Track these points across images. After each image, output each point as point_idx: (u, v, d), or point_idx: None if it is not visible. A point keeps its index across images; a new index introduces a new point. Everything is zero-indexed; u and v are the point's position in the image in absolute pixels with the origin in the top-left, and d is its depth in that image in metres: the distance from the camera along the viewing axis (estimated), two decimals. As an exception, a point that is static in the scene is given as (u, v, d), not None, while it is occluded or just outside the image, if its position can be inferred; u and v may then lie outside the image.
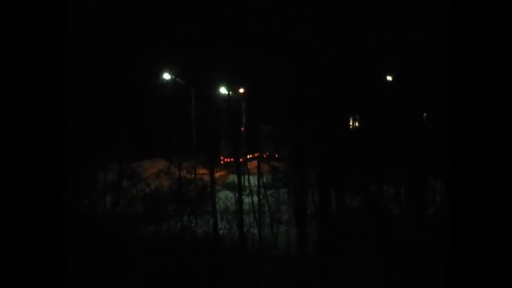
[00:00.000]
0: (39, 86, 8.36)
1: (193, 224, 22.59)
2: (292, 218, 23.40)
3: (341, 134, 23.50)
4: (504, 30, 8.31)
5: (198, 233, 22.71)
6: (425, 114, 22.99)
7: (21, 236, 8.62)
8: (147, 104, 22.47)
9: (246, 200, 24.10)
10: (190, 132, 25.38)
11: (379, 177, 22.54)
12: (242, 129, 26.05)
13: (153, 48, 22.29)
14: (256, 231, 23.61)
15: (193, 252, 21.72)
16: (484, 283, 8.37)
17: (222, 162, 26.31)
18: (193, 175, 23.99)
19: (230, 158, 26.15)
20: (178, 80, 24.48)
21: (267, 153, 26.41)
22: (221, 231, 23.46)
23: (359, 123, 25.11)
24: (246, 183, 24.51)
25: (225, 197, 25.09)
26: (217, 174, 24.88)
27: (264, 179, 24.61)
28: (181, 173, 23.47)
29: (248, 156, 26.28)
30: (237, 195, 23.80)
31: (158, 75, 23.78)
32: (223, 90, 25.20)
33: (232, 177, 25.68)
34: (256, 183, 24.47)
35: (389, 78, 23.42)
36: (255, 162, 25.35)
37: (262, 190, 24.36)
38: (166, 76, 24.14)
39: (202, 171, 23.99)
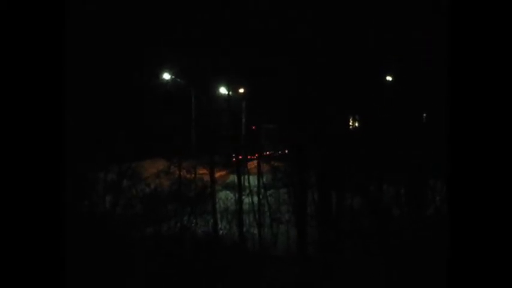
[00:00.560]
0: (39, 86, 8.37)
1: (193, 224, 22.60)
2: (292, 218, 23.38)
3: (341, 134, 23.52)
4: (504, 30, 8.31)
5: (198, 233, 22.72)
6: (425, 115, 22.99)
7: (22, 236, 8.62)
8: (147, 103, 22.47)
9: (246, 200, 24.10)
10: (190, 132, 25.40)
11: (379, 177, 22.52)
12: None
13: (153, 48, 22.30)
14: (256, 231, 23.61)
15: (193, 253, 21.72)
16: (484, 283, 8.37)
17: (233, 160, 26.23)
18: (193, 175, 23.98)
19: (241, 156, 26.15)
20: (178, 80, 24.48)
21: (268, 153, 26.40)
22: (221, 231, 23.47)
23: (359, 123, 25.11)
24: (246, 183, 24.49)
25: (225, 197, 25.08)
26: (217, 174, 24.88)
27: (264, 179, 24.60)
28: (181, 173, 23.46)
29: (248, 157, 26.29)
30: (237, 195, 23.78)
31: (158, 75, 23.77)
32: (223, 90, 25.19)
33: (232, 177, 25.67)
34: (256, 183, 24.45)
35: (389, 78, 23.42)
36: (254, 162, 25.34)
37: (262, 190, 24.34)
38: (166, 76, 24.13)
39: (202, 171, 23.98)
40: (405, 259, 18.79)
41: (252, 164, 25.67)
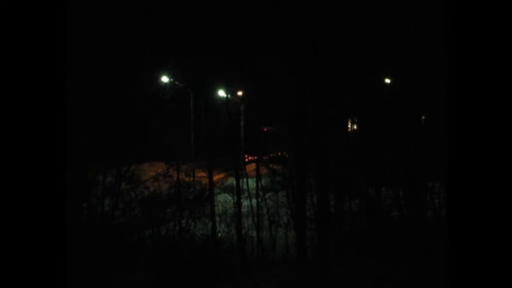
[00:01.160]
0: (39, 90, 8.38)
1: (192, 227, 22.62)
2: (291, 221, 23.36)
3: (340, 137, 23.51)
4: (504, 33, 8.32)
5: (197, 236, 22.74)
6: (423, 117, 22.99)
7: (22, 239, 8.62)
8: (145, 106, 22.46)
9: (245, 202, 24.05)
10: (189, 135, 25.40)
11: (378, 180, 22.52)
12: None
13: (151, 51, 22.30)
14: (254, 234, 23.57)
15: (192, 255, 21.74)
16: (484, 284, 8.38)
17: (246, 160, 26.22)
18: (191, 178, 23.97)
19: (253, 156, 26.16)
20: (177, 83, 24.47)
21: (267, 157, 26.38)
22: (220, 234, 23.46)
23: (358, 126, 25.10)
24: (245, 186, 24.47)
25: (224, 200, 25.09)
26: (215, 177, 24.86)
27: (263, 182, 24.58)
28: (180, 176, 23.44)
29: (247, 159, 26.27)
30: (235, 198, 23.76)
31: (156, 78, 23.76)
32: (221, 93, 25.19)
33: (231, 180, 25.66)
34: (255, 186, 24.43)
35: (387, 80, 23.43)
36: (253, 165, 25.31)
37: (260, 193, 24.31)
38: (165, 79, 24.14)
39: (200, 174, 23.96)
40: (404, 262, 18.80)
41: (251, 167, 25.65)
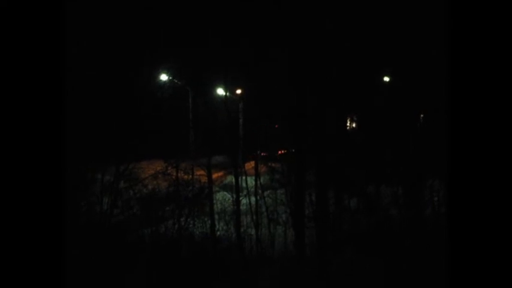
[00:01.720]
0: (40, 90, 8.37)
1: (190, 225, 22.61)
2: (290, 219, 23.37)
3: (339, 135, 23.53)
4: (503, 32, 8.32)
5: (196, 234, 22.74)
6: (422, 115, 23.01)
7: (22, 237, 8.61)
8: (144, 104, 22.45)
9: (244, 201, 24.06)
10: (187, 133, 25.38)
11: (377, 178, 22.54)
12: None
13: (150, 49, 22.28)
14: (253, 232, 23.57)
15: (191, 253, 21.74)
16: (484, 283, 8.39)
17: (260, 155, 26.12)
18: (190, 176, 23.96)
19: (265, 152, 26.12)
20: (176, 81, 24.45)
21: (266, 153, 26.31)
22: (219, 232, 23.47)
23: (357, 124, 25.12)
24: (244, 184, 24.47)
25: (223, 198, 25.10)
26: (214, 175, 24.85)
27: (262, 180, 24.57)
28: (179, 174, 23.43)
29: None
30: (234, 196, 23.76)
31: (155, 76, 23.75)
32: (220, 91, 25.17)
33: (230, 178, 25.65)
34: (254, 184, 24.42)
35: (386, 79, 23.45)
36: (252, 163, 25.29)
37: (259, 191, 24.30)
38: (164, 77, 24.12)
39: (199, 172, 23.94)
40: (403, 259, 18.83)
41: (250, 165, 25.63)
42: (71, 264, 9.78)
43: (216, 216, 23.79)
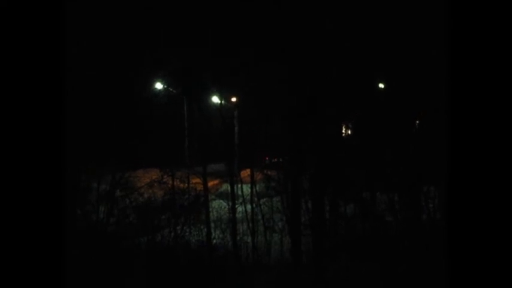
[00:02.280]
0: (39, 89, 8.37)
1: (186, 233, 22.57)
2: (286, 226, 23.36)
3: (334, 142, 23.55)
4: (502, 38, 8.37)
5: (192, 242, 22.69)
6: (418, 122, 23.07)
7: (21, 248, 8.58)
8: (139, 113, 22.47)
9: (240, 208, 24.05)
10: (183, 141, 25.37)
11: (372, 185, 22.56)
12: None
13: (145, 57, 22.31)
14: (249, 239, 23.56)
15: (187, 262, 21.70)
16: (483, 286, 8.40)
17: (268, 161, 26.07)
18: (186, 184, 23.94)
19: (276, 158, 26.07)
20: (171, 89, 24.48)
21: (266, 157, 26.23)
22: (215, 240, 23.44)
23: (352, 131, 25.14)
24: (239, 192, 24.45)
25: (219, 206, 25.04)
26: (210, 183, 24.83)
27: (257, 188, 24.55)
28: (175, 182, 23.42)
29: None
30: (230, 204, 23.75)
31: (151, 84, 23.77)
32: (215, 99, 25.20)
33: (225, 186, 25.63)
34: (250, 191, 24.42)
35: (381, 85, 23.51)
36: (247, 171, 25.29)
37: (255, 199, 24.30)
38: (159, 85, 24.15)
39: (195, 180, 23.93)
40: (399, 265, 18.84)
41: (245, 173, 25.62)
42: (69, 272, 9.76)
43: (212, 224, 23.76)
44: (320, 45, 21.12)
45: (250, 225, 23.76)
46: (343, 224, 22.82)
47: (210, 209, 24.07)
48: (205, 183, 23.55)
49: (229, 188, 23.97)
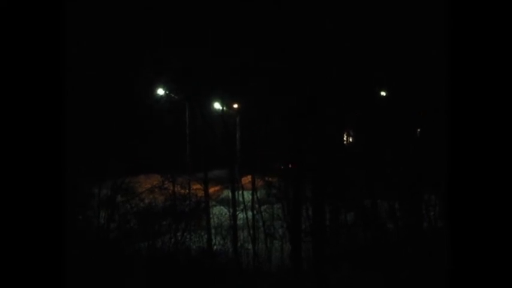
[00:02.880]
0: (39, 89, 8.37)
1: (187, 240, 22.53)
2: (287, 233, 23.34)
3: (336, 140, 23.55)
4: (503, 33, 8.36)
5: (192, 248, 22.66)
6: (419, 130, 23.06)
7: (20, 245, 8.57)
8: (141, 118, 22.49)
9: (240, 215, 24.06)
10: (184, 147, 25.40)
11: (373, 185, 22.50)
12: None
13: (145, 57, 22.32)
14: (250, 246, 23.56)
15: (187, 268, 21.65)
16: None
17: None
18: (187, 190, 23.95)
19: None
20: (173, 95, 24.51)
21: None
22: (215, 247, 23.43)
23: (353, 139, 25.13)
24: (240, 199, 24.46)
25: (219, 213, 25.07)
26: (211, 190, 24.84)
27: (258, 194, 24.54)
28: (176, 188, 23.42)
29: None
30: (231, 210, 23.75)
31: (153, 90, 23.81)
32: (217, 105, 25.24)
33: (226, 193, 25.64)
34: (251, 198, 24.42)
35: (383, 93, 23.52)
36: (248, 177, 25.29)
37: (256, 205, 24.30)
38: (160, 91, 24.19)
39: (196, 186, 23.94)
40: (401, 273, 18.79)
41: (246, 179, 25.64)
42: (69, 277, 9.75)
43: (213, 231, 23.77)
44: (320, 45, 21.11)
45: (251, 231, 23.77)
46: (344, 232, 22.78)
47: (211, 215, 24.08)
48: (206, 189, 23.56)
49: (230, 194, 23.96)
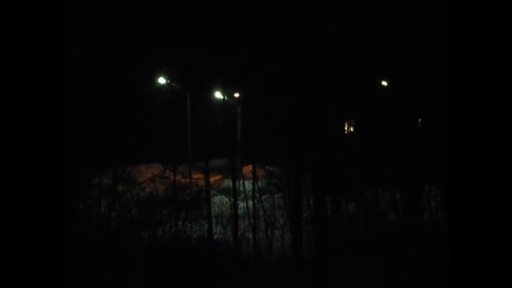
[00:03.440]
0: (39, 89, 8.36)
1: (188, 229, 22.55)
2: (287, 223, 23.36)
3: (337, 139, 23.53)
4: (503, 33, 8.34)
5: (193, 237, 22.70)
6: (420, 120, 23.04)
7: (20, 240, 8.59)
8: (142, 108, 22.46)
9: (241, 204, 24.06)
10: (185, 137, 25.38)
11: (374, 183, 22.53)
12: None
13: (148, 53, 22.28)
14: (251, 235, 23.58)
15: (188, 257, 21.71)
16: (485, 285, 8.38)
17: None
18: (188, 179, 23.95)
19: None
20: (174, 84, 24.46)
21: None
22: (216, 236, 23.45)
23: (354, 129, 25.12)
24: (241, 188, 24.46)
25: (220, 202, 25.07)
26: (212, 179, 24.84)
27: (259, 184, 24.55)
28: (176, 178, 23.43)
29: None
30: (232, 199, 23.75)
31: (153, 79, 23.77)
32: (218, 94, 25.18)
33: (227, 182, 25.65)
34: (251, 187, 24.43)
35: (384, 83, 23.48)
36: (249, 167, 25.29)
37: (257, 195, 24.31)
38: (162, 80, 24.14)
39: (197, 175, 23.94)
40: (402, 263, 18.83)
41: (247, 169, 25.63)
42: (70, 266, 9.77)
43: (214, 220, 23.79)
44: (320, 45, 21.06)
45: (252, 221, 23.79)
46: (345, 222, 22.81)
47: (212, 205, 24.08)
48: (207, 179, 23.55)
49: (231, 183, 23.96)
